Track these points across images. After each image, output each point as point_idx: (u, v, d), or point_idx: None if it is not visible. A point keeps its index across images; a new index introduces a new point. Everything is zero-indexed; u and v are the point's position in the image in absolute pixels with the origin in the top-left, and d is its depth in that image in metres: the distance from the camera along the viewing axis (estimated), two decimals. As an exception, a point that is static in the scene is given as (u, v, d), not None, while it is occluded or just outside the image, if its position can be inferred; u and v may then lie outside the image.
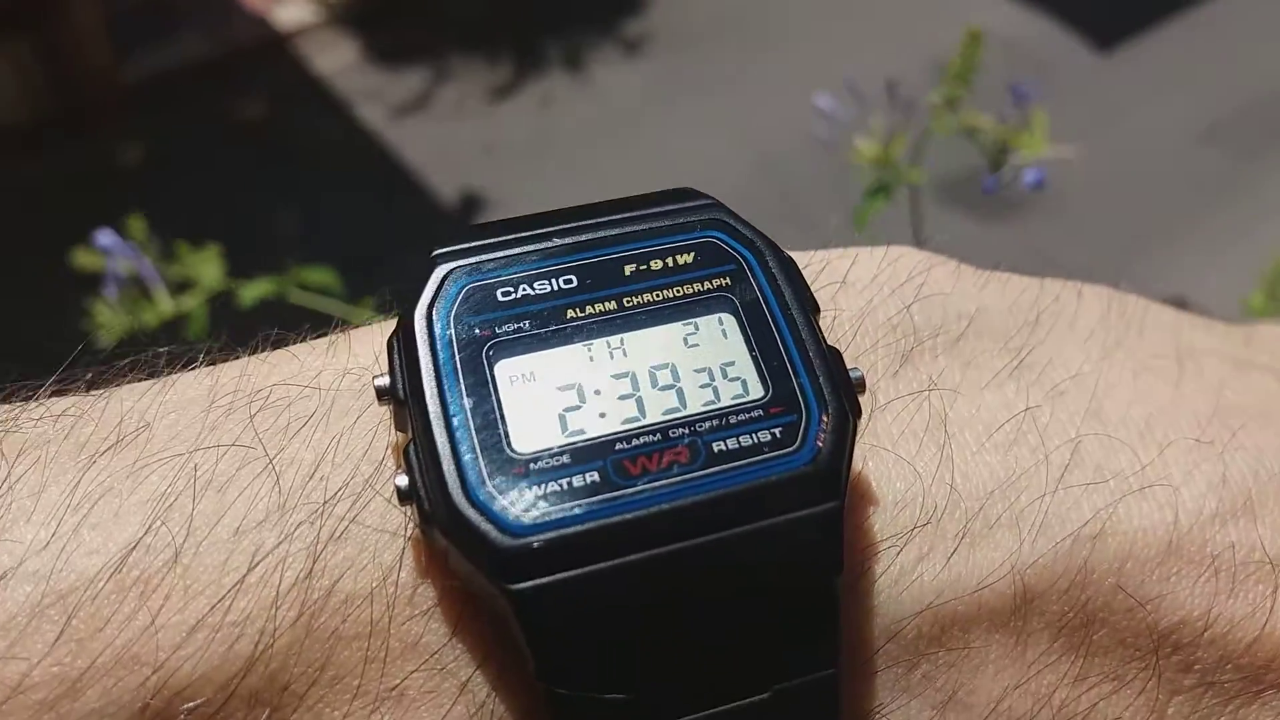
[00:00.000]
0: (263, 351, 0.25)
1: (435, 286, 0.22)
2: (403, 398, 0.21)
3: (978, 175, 0.87)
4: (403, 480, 0.20)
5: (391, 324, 0.24)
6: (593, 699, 0.20)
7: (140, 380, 0.24)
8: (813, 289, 0.24)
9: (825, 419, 0.21)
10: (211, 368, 0.25)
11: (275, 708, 0.20)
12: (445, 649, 0.21)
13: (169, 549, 0.20)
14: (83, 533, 0.20)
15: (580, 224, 0.23)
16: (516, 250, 0.22)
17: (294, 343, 0.26)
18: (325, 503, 0.21)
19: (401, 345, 0.21)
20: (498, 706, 0.21)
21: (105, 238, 0.83)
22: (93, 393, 0.24)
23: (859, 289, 0.26)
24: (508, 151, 3.31)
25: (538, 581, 0.19)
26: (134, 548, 0.20)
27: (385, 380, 0.21)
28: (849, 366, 0.22)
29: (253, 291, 0.84)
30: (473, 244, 0.23)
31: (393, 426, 0.22)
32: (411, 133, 3.41)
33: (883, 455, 0.23)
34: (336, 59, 3.83)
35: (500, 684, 0.21)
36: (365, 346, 0.25)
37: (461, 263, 0.22)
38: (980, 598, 0.22)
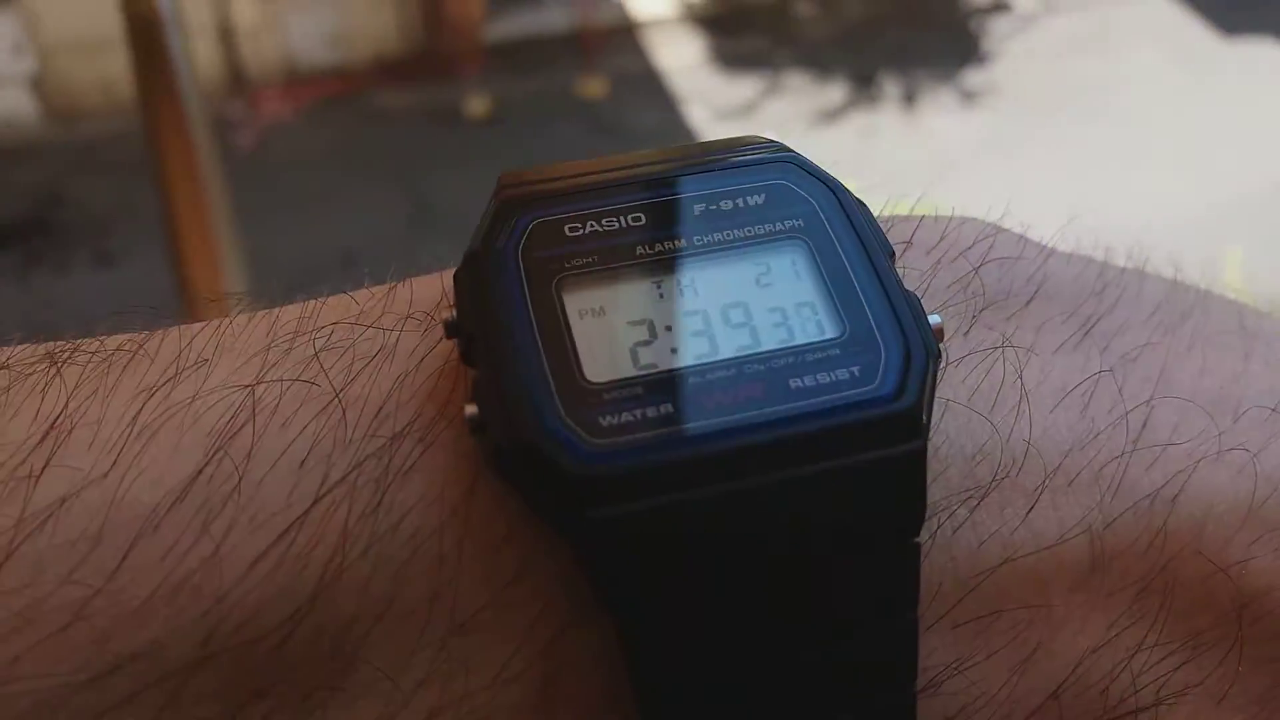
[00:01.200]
0: (321, 298, 0.24)
1: (502, 221, 0.21)
2: (471, 330, 0.20)
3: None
4: (472, 410, 0.20)
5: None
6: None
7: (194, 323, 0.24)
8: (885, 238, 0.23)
9: (906, 357, 0.20)
10: (270, 310, 0.24)
11: (341, 640, 0.20)
12: (513, 585, 0.20)
13: (231, 480, 0.20)
14: (143, 462, 0.20)
15: (648, 165, 0.23)
16: (584, 188, 0.22)
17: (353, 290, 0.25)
18: (392, 439, 0.21)
19: (469, 279, 0.21)
20: (566, 644, 0.20)
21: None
22: (145, 332, 0.23)
23: (925, 249, 0.25)
24: (820, 175, 3.30)
25: (610, 510, 0.19)
26: (196, 478, 0.20)
27: (451, 314, 0.21)
28: (928, 313, 0.22)
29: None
30: (539, 181, 0.23)
31: (460, 363, 0.21)
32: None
33: (958, 410, 0.22)
34: (680, 55, 3.96)
35: (569, 622, 0.20)
36: (428, 290, 0.24)
37: (528, 199, 0.22)
38: (1059, 554, 0.21)
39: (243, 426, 0.21)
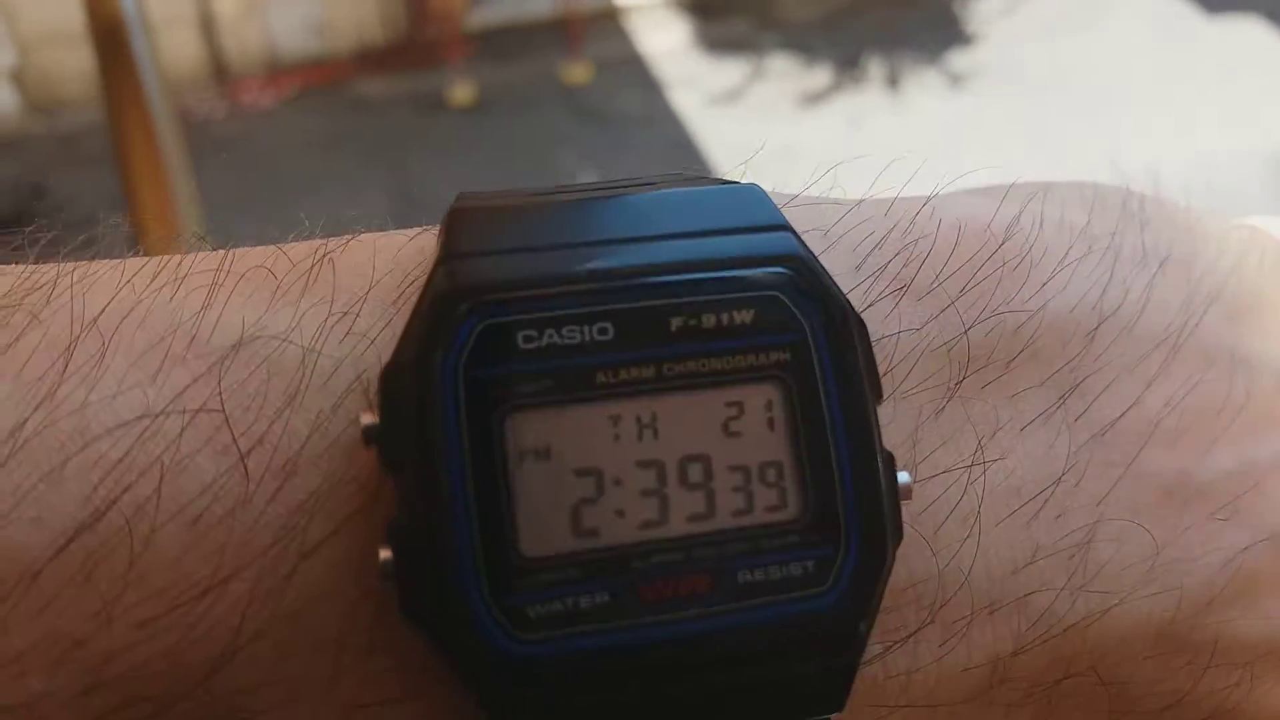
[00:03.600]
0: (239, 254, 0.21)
1: (444, 323, 0.17)
2: (395, 456, 0.17)
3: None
4: (387, 556, 0.17)
5: (389, 242, 0.21)
6: None
7: (104, 274, 0.20)
8: (878, 281, 0.21)
9: (863, 558, 0.18)
10: (175, 266, 0.20)
11: (233, 712, 0.18)
12: (404, 702, 0.18)
13: (122, 533, 0.17)
14: (24, 489, 0.17)
15: (628, 241, 0.19)
16: (548, 278, 0.18)
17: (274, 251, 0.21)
18: (298, 508, 0.18)
19: (397, 395, 0.17)
20: None
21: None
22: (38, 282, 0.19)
23: (925, 291, 0.22)
24: (806, 157, 3.31)
25: (526, 699, 0.17)
26: (82, 526, 0.17)
27: (373, 418, 0.18)
28: (898, 471, 0.19)
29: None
30: (493, 252, 0.18)
31: (376, 464, 0.18)
32: (717, 124, 3.47)
33: (906, 531, 0.20)
34: (664, 40, 3.94)
35: None
36: (354, 278, 0.20)
37: (479, 289, 0.18)
38: (961, 680, 0.20)
39: (139, 470, 0.17)
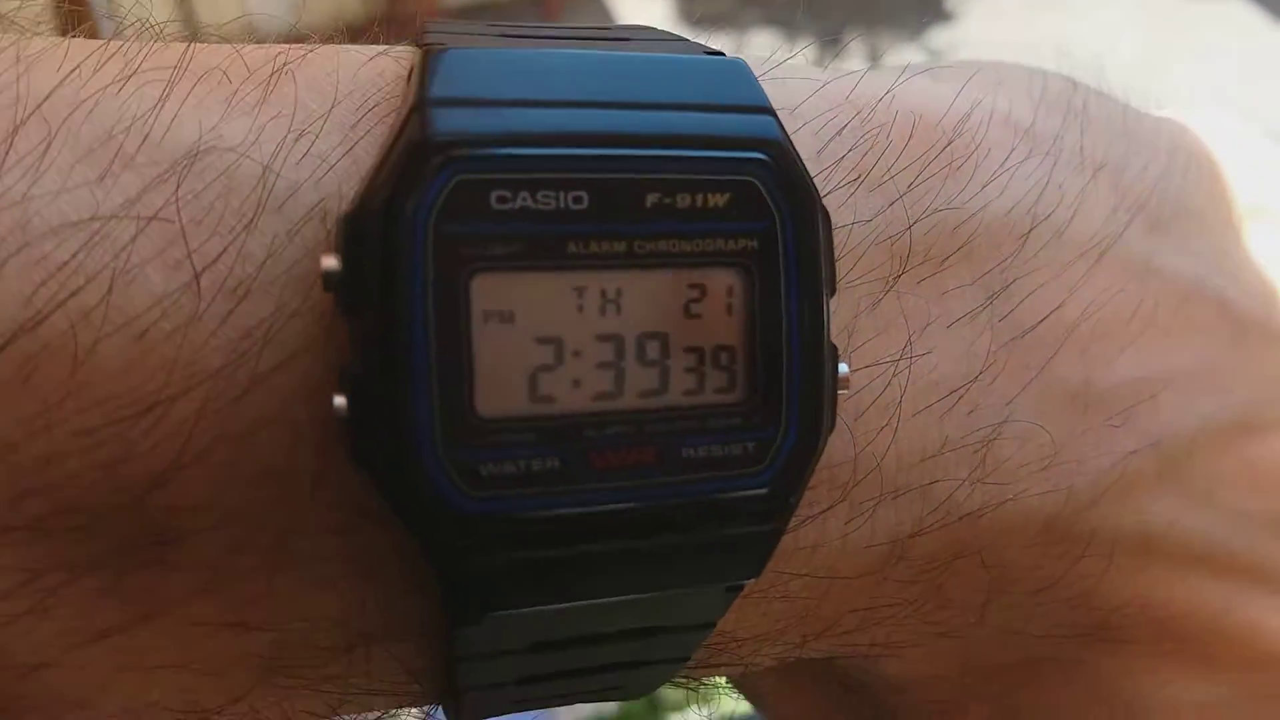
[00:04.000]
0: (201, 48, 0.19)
1: (417, 170, 0.17)
2: (358, 304, 0.17)
3: None
4: (341, 403, 0.17)
5: (348, 59, 0.20)
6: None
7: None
8: (837, 169, 0.21)
9: (800, 442, 0.19)
10: (129, 54, 0.18)
11: (167, 529, 0.17)
12: (349, 533, 0.18)
13: (66, 340, 0.16)
14: None
15: (613, 105, 0.18)
16: (530, 134, 0.17)
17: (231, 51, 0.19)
18: (249, 333, 0.17)
19: (364, 242, 0.17)
20: (393, 599, 0.19)
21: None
22: None
23: (876, 184, 0.22)
24: (787, 136, 3.30)
25: (474, 556, 0.17)
26: (23, 328, 0.16)
27: (335, 263, 0.17)
28: (839, 363, 0.20)
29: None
30: (478, 101, 0.18)
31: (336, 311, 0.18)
32: (698, 100, 3.46)
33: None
34: (644, 16, 3.92)
35: (401, 587, 0.19)
36: (313, 95, 0.19)
37: (457, 139, 0.17)
38: (861, 556, 0.22)
39: (87, 275, 0.16)
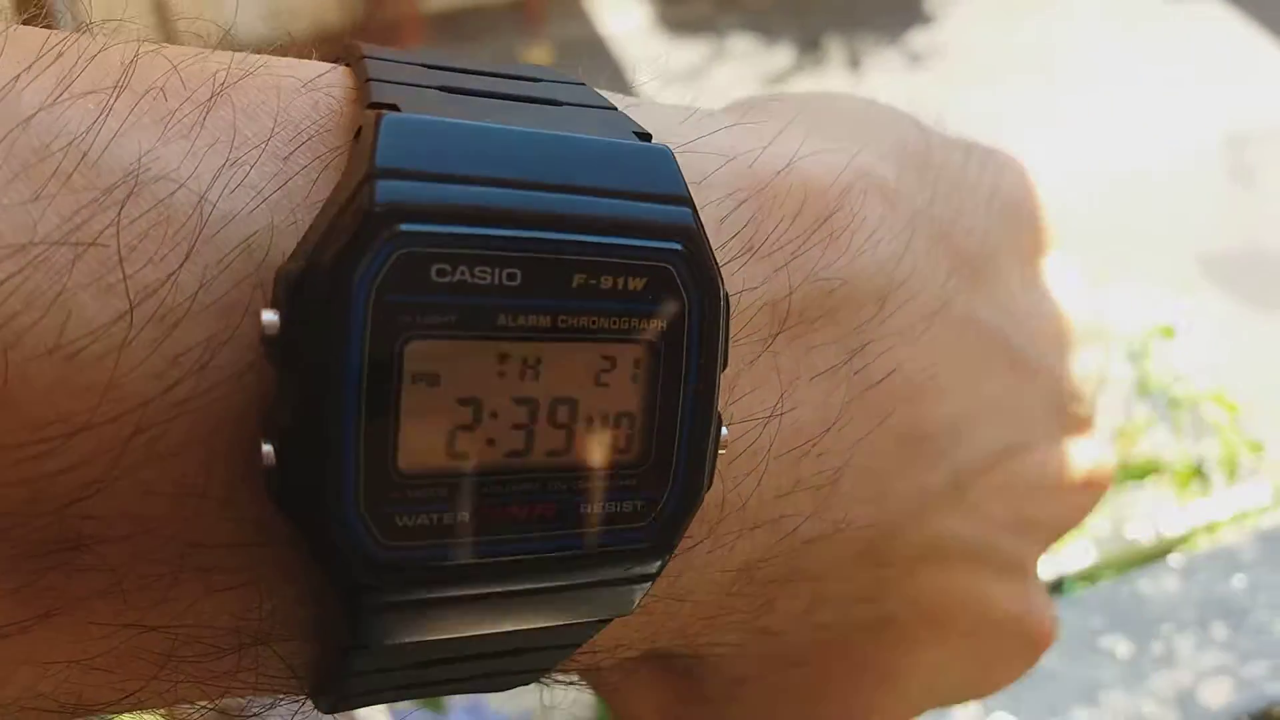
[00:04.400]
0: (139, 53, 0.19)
1: (366, 240, 0.17)
2: (293, 362, 0.17)
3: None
4: (269, 451, 0.18)
5: (283, 85, 0.20)
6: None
7: None
8: (735, 241, 0.23)
9: (683, 501, 0.21)
10: (62, 93, 0.18)
11: (79, 546, 0.18)
12: (251, 548, 0.19)
13: None
14: None
15: (551, 188, 0.19)
16: (471, 211, 0.18)
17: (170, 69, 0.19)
18: (175, 360, 0.18)
19: (307, 302, 0.17)
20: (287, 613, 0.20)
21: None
22: None
23: (766, 254, 0.24)
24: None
25: (379, 596, 0.19)
26: None
27: (275, 319, 0.17)
28: (723, 425, 0.22)
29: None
30: (423, 175, 0.18)
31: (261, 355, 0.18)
32: (679, 105, 3.46)
33: None
34: (625, 22, 3.93)
35: (292, 600, 0.20)
36: (249, 122, 0.19)
37: (404, 211, 0.18)
38: (716, 581, 0.24)
39: (22, 297, 0.16)
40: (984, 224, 0.29)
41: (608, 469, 0.20)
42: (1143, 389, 1.19)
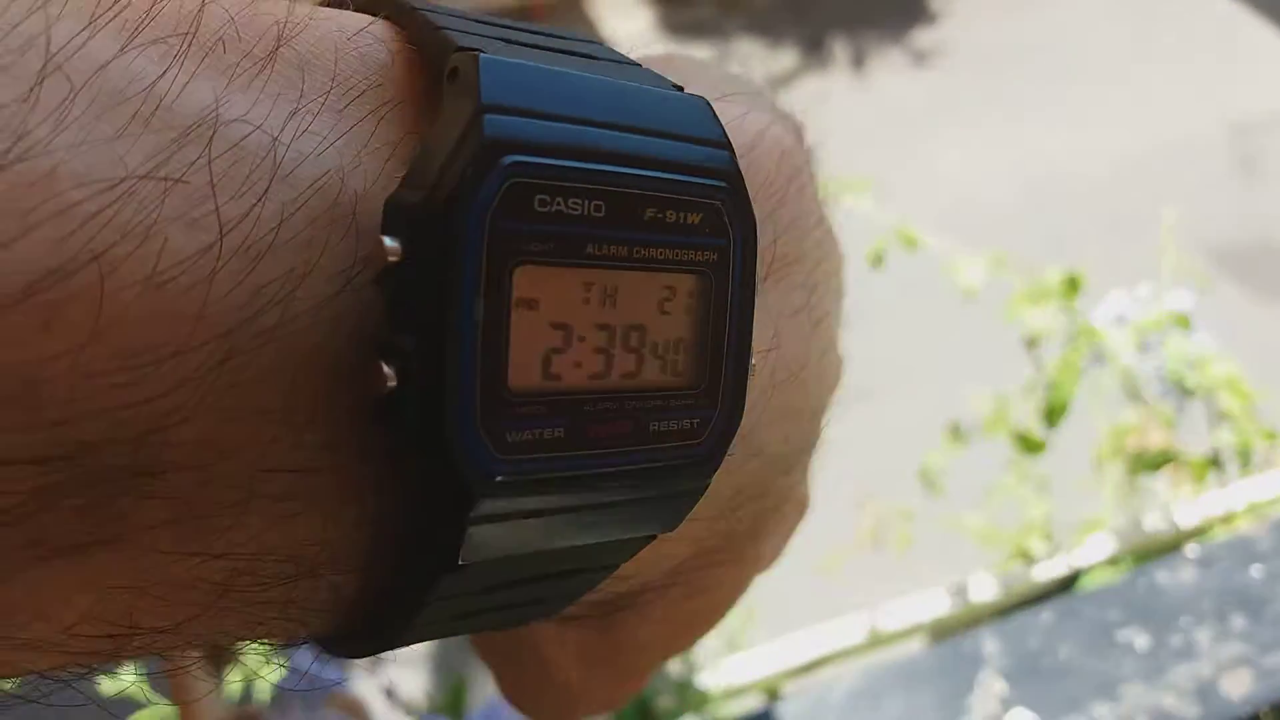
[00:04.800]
0: None
1: (483, 168, 0.19)
2: (417, 292, 0.19)
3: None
4: (389, 372, 0.19)
5: (337, 36, 0.21)
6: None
7: None
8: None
9: (727, 420, 0.23)
10: (131, 38, 0.18)
11: (153, 473, 0.18)
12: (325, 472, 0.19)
13: (92, 291, 0.17)
14: None
15: (630, 129, 0.21)
16: (569, 145, 0.20)
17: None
18: (256, 313, 0.18)
19: (430, 230, 0.18)
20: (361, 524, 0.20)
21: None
22: None
23: (760, 201, 0.26)
24: (773, 141, 3.31)
25: (483, 511, 0.20)
26: (50, 277, 0.17)
27: (396, 245, 0.19)
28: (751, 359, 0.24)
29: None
30: (529, 112, 0.20)
31: (377, 284, 0.19)
32: (684, 108, 3.46)
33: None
34: (629, 25, 3.93)
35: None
36: (311, 72, 0.20)
37: (513, 143, 0.19)
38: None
39: (117, 228, 0.17)
40: (824, 224, 0.32)
41: (672, 390, 0.22)
42: (1156, 379, 1.18)
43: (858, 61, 3.74)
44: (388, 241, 0.19)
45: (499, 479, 0.19)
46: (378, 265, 0.19)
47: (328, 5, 0.23)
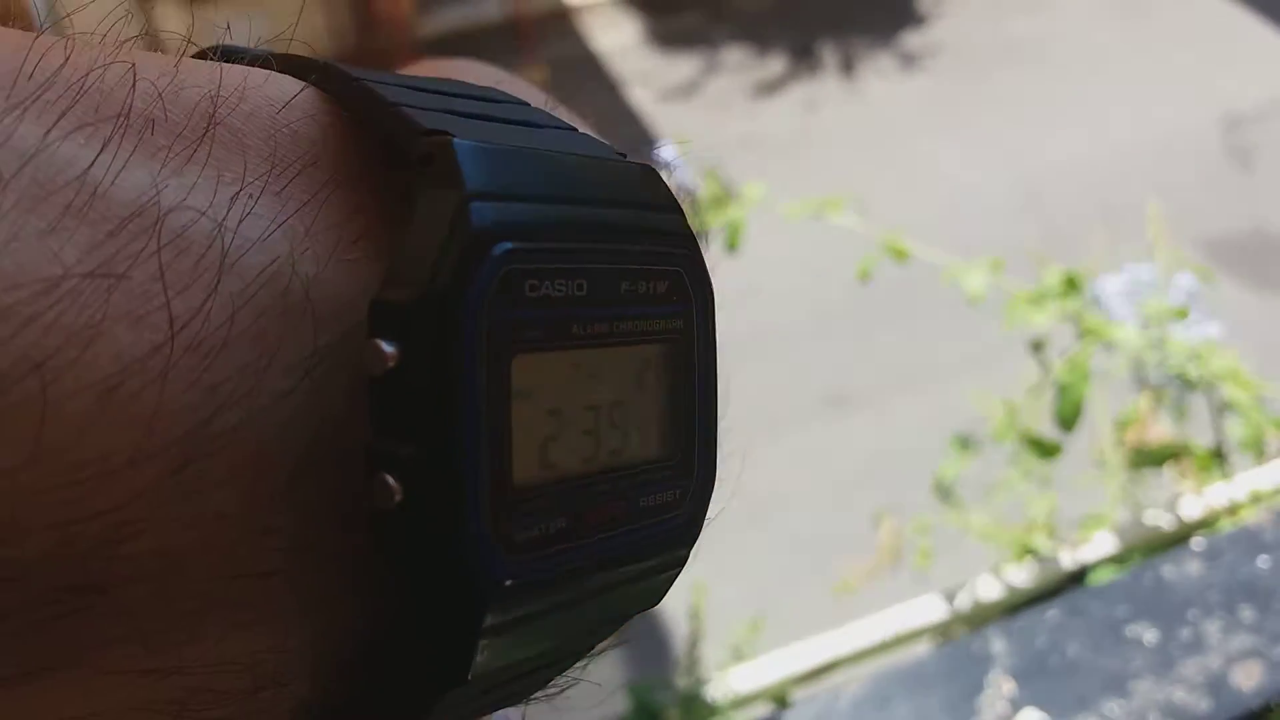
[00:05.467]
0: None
1: (475, 259, 0.18)
2: (417, 390, 0.18)
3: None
4: (397, 496, 0.18)
5: (269, 106, 0.20)
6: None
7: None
8: None
9: (700, 486, 0.23)
10: (56, 121, 0.17)
11: (102, 589, 0.17)
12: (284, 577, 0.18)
13: (34, 400, 0.16)
14: None
15: (603, 204, 0.21)
16: (552, 223, 0.20)
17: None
18: (216, 410, 0.17)
19: (428, 326, 0.18)
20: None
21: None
22: None
23: None
24: (765, 148, 3.31)
25: (495, 615, 0.19)
26: None
27: (394, 349, 0.18)
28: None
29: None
30: (510, 196, 0.19)
31: (370, 409, 0.18)
32: (674, 118, 3.47)
33: None
34: (617, 38, 3.94)
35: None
36: (251, 151, 0.19)
37: (502, 229, 0.18)
38: None
39: (58, 332, 0.16)
40: None
41: (654, 463, 0.22)
42: (1156, 371, 1.18)
43: (847, 66, 3.74)
44: (385, 347, 0.17)
45: (508, 583, 0.18)
46: (371, 370, 0.18)
47: (257, 62, 0.22)
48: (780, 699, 1.16)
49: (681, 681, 1.13)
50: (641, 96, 3.58)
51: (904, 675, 0.78)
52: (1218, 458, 1.16)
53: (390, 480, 0.18)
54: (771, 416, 2.43)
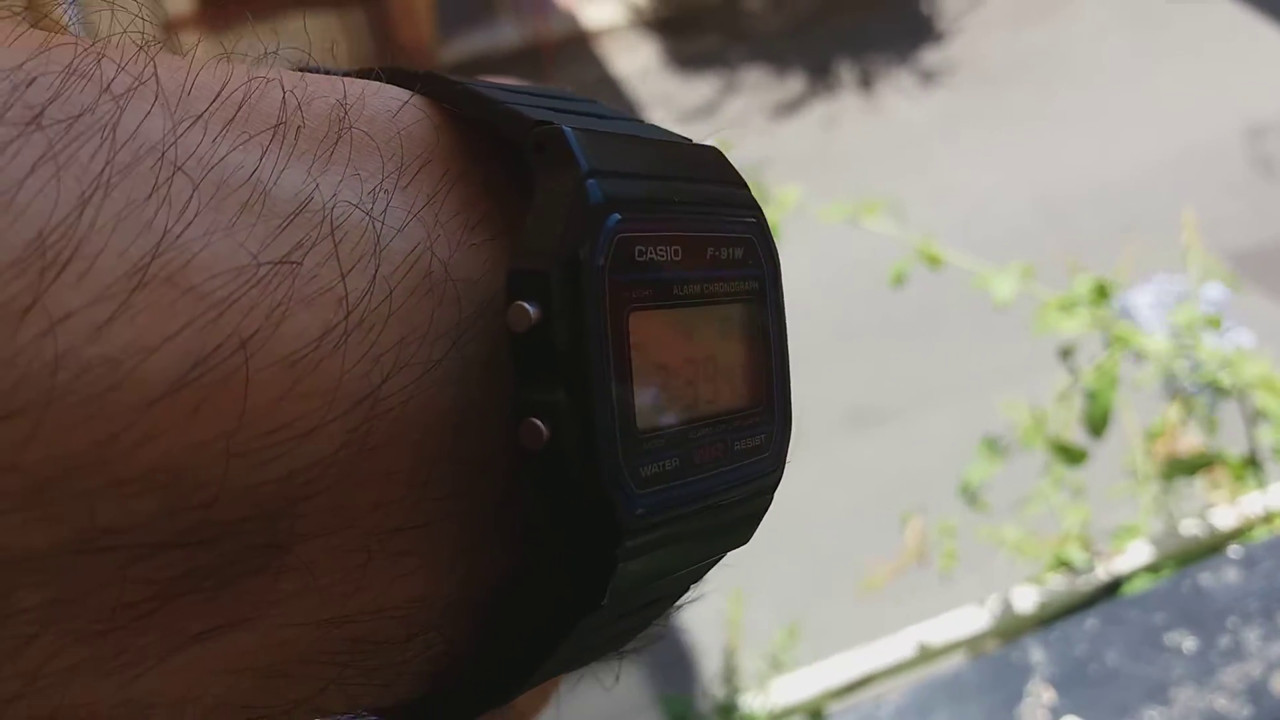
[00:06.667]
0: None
1: (596, 228, 0.20)
2: (563, 351, 0.20)
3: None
4: (545, 436, 0.20)
5: (388, 108, 0.22)
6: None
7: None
8: None
9: (782, 433, 0.25)
10: (207, 127, 0.19)
11: (284, 546, 0.19)
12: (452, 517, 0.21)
13: (236, 375, 0.18)
14: (145, 337, 0.17)
15: (693, 180, 0.24)
16: (655, 198, 0.22)
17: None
18: (386, 378, 0.19)
19: (565, 293, 0.20)
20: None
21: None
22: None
23: None
24: (784, 167, 3.32)
25: (625, 547, 0.21)
26: (197, 366, 0.17)
27: (535, 309, 0.20)
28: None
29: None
30: (625, 174, 0.22)
31: (515, 345, 0.20)
32: (695, 139, 3.47)
33: None
34: (636, 61, 3.96)
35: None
36: (381, 152, 0.21)
37: (616, 202, 0.21)
38: None
39: (246, 312, 0.18)
40: None
41: (743, 410, 0.24)
42: (1187, 380, 1.18)
43: (865, 84, 3.76)
44: (529, 307, 0.20)
45: (639, 511, 0.21)
46: (516, 328, 0.20)
47: (358, 75, 0.24)
48: (816, 713, 1.16)
49: (718, 693, 1.13)
50: (662, 119, 3.59)
51: (944, 685, 0.79)
52: (1251, 466, 1.16)
53: (539, 423, 0.20)
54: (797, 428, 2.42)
